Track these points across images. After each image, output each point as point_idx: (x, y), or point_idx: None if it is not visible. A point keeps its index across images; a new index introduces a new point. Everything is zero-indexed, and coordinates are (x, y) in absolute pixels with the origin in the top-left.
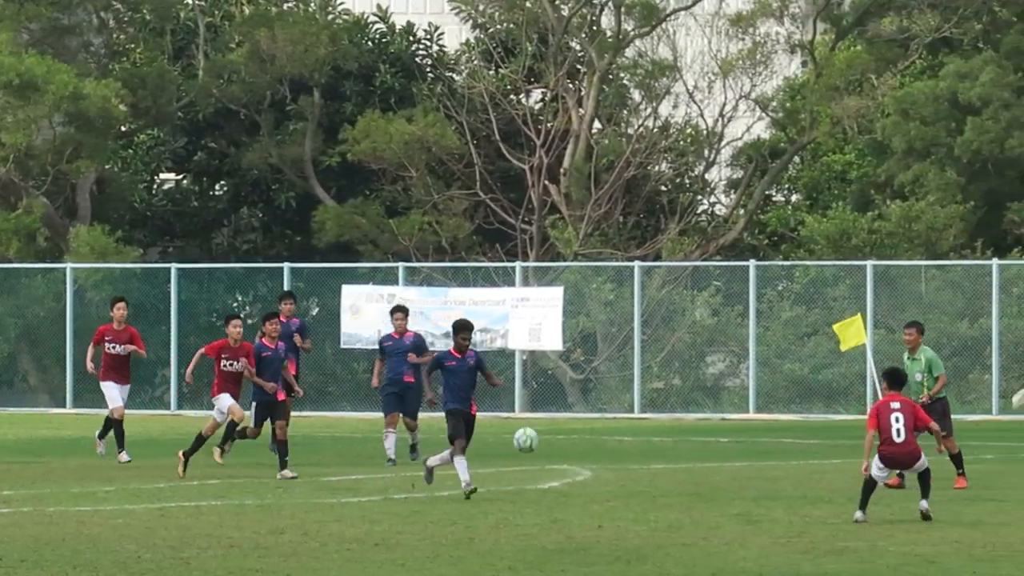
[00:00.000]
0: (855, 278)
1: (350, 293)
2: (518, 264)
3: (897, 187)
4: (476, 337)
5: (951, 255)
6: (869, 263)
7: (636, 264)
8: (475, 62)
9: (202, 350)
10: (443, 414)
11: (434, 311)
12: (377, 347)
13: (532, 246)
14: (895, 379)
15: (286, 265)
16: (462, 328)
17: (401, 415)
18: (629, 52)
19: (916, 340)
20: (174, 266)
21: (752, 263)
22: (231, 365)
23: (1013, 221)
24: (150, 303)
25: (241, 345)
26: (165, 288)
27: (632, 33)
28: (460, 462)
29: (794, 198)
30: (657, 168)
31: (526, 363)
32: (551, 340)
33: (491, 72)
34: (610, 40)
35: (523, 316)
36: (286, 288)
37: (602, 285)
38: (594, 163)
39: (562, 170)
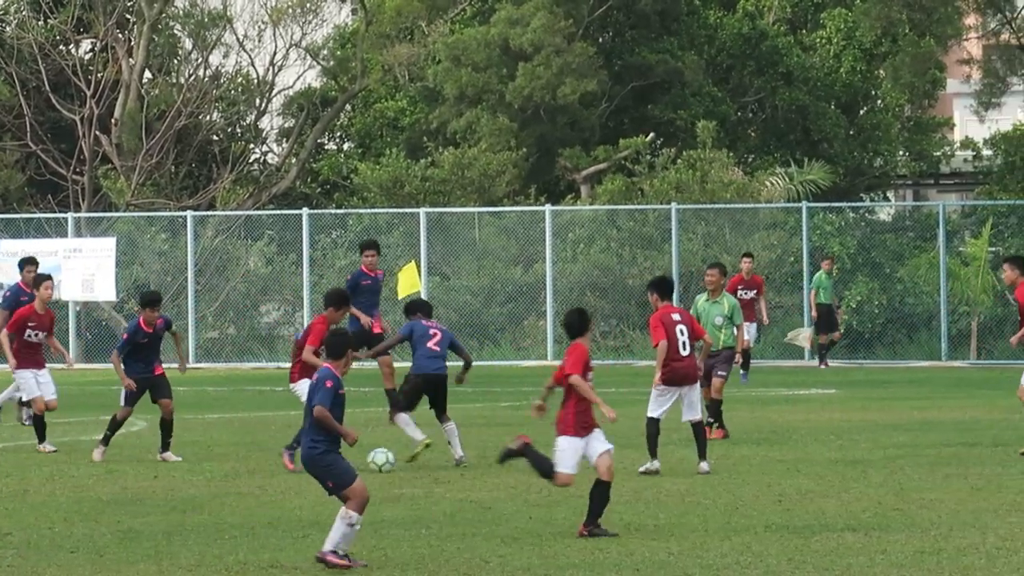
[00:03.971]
0: (408, 225)
1: None
2: (70, 215)
3: (450, 134)
4: None
5: (505, 201)
6: (422, 210)
7: (189, 214)
8: (24, 13)
9: None
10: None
11: None
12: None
13: (84, 197)
14: (665, 288)
15: None
16: None
17: None
18: (179, 1)
19: (718, 281)
20: None
21: (305, 211)
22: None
23: (565, 167)
24: None
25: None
26: None
27: None
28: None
29: (346, 146)
30: (209, 117)
31: (80, 314)
32: (105, 291)
33: (40, 23)
34: None
35: (76, 267)
36: None
37: (155, 235)
38: (145, 113)
39: (113, 120)
